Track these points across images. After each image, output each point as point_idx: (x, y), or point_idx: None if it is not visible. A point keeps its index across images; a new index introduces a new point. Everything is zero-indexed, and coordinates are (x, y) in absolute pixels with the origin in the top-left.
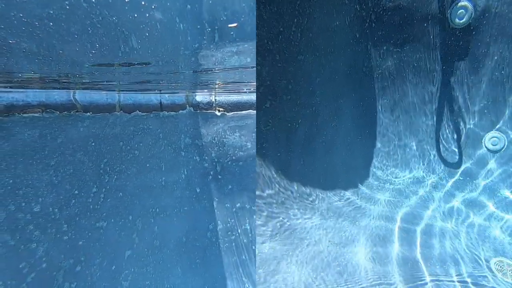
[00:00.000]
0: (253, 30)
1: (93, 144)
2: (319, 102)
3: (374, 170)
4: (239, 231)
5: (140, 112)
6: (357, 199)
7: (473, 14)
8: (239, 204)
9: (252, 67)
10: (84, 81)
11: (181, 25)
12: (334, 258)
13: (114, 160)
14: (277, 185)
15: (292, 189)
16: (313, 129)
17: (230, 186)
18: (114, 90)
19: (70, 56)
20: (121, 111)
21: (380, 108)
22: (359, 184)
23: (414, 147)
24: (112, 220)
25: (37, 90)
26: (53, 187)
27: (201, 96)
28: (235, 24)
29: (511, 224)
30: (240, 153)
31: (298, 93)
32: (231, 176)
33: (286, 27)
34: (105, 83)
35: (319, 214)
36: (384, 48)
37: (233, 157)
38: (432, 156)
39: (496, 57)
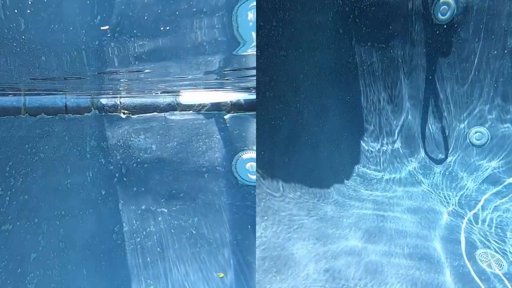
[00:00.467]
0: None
1: None
2: (304, 99)
3: (361, 167)
4: (144, 233)
5: (46, 115)
6: (344, 197)
7: (455, 10)
8: (144, 206)
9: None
10: None
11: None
12: (322, 257)
13: (19, 162)
14: (260, 185)
15: (276, 188)
16: (298, 127)
17: (135, 188)
18: (20, 93)
19: None
20: (27, 114)
21: (366, 104)
22: (346, 182)
23: (400, 143)
24: (18, 223)
25: None
26: None
27: (106, 99)
28: (107, 27)
29: (494, 216)
30: (145, 155)
31: (282, 90)
32: (136, 179)
33: (266, 22)
34: (10, 86)
35: (305, 214)
36: (369, 44)
37: (138, 160)
38: (418, 151)
39: (479, 53)
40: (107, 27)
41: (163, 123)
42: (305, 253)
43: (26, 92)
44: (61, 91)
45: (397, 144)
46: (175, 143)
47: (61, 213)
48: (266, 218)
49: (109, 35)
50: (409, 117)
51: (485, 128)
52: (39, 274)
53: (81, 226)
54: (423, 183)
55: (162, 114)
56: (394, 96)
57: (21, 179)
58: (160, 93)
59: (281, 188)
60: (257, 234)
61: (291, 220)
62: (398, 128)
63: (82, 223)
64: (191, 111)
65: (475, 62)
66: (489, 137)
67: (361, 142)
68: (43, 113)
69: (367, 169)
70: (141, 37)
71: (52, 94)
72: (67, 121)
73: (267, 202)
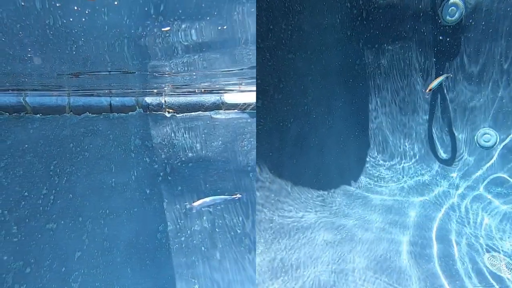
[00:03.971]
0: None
1: (43, 145)
2: (312, 101)
3: (368, 168)
4: (188, 232)
5: (90, 114)
6: (351, 197)
7: (464, 11)
8: (189, 205)
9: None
10: (34, 85)
11: (132, 27)
12: (329, 257)
13: (64, 161)
14: (269, 185)
15: (285, 189)
16: (305, 128)
17: (179, 187)
18: (64, 93)
19: (17, 64)
20: (71, 112)
21: (373, 106)
22: (353, 183)
23: (407, 145)
24: (62, 222)
25: None
26: (2, 189)
27: (151, 98)
28: (168, 28)
29: (504, 218)
30: (190, 154)
31: (290, 92)
32: (181, 178)
33: (276, 25)
34: (54, 86)
35: (313, 214)
36: (376, 46)
37: (183, 159)
38: (425, 153)
39: (487, 54)
40: (168, 28)
41: (208, 122)
42: (312, 254)
43: (71, 92)
44: (106, 91)
45: (404, 146)
46: (220, 142)
47: (105, 212)
48: (273, 217)
49: (156, 24)
50: (416, 118)
51: (493, 130)
52: (83, 272)
53: (125, 225)
54: (430, 185)
55: (207, 113)
56: (401, 98)
57: (65, 178)
58: (204, 91)
59: (289, 189)
60: (260, 235)
61: (298, 222)
62: (405, 129)
63: (126, 222)
64: (236, 110)
65: (484, 63)
66: (497, 139)
67: (368, 143)
68: (87, 112)
69: (373, 170)
70: (188, 28)
71: (97, 95)
72: (111, 120)
73: (275, 203)
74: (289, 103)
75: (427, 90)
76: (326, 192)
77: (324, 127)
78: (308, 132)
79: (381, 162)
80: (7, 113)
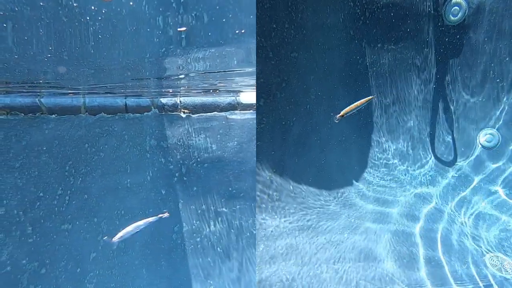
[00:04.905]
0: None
1: (58, 146)
2: (314, 100)
3: (369, 168)
4: (204, 233)
5: (105, 114)
6: (352, 198)
7: (467, 11)
8: (204, 206)
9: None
10: (49, 85)
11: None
12: (330, 255)
13: (79, 162)
14: (270, 184)
15: (287, 188)
16: (307, 128)
17: (195, 188)
18: (79, 93)
19: (35, 64)
20: (87, 113)
21: (375, 105)
22: (354, 183)
23: (409, 145)
24: (77, 223)
25: (2, 94)
26: (17, 190)
27: (166, 98)
28: (184, 28)
29: (504, 220)
30: (205, 155)
31: (292, 91)
32: (196, 178)
33: (279, 24)
34: (70, 86)
35: (315, 214)
36: (379, 45)
37: (198, 159)
38: (426, 153)
39: (490, 54)
40: (184, 28)
41: (224, 122)
42: (313, 252)
43: (86, 92)
44: (122, 90)
45: (406, 146)
46: (236, 142)
47: (120, 212)
48: (275, 216)
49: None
50: (419, 118)
51: (495, 130)
52: (98, 273)
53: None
54: (431, 185)
55: (223, 113)
56: (403, 98)
57: (80, 179)
58: (220, 91)
59: (291, 188)
60: (262, 232)
61: (299, 220)
62: (407, 129)
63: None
64: (251, 110)
65: (487, 63)
66: (500, 139)
67: (370, 143)
68: (102, 112)
69: (374, 170)
70: (204, 28)
71: (112, 96)
72: (126, 120)
73: (276, 202)
74: (292, 102)
75: (339, 116)
76: (327, 191)
77: (326, 126)
78: (310, 131)
79: (382, 161)
80: (22, 114)
